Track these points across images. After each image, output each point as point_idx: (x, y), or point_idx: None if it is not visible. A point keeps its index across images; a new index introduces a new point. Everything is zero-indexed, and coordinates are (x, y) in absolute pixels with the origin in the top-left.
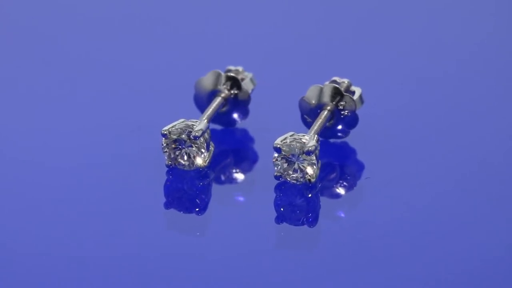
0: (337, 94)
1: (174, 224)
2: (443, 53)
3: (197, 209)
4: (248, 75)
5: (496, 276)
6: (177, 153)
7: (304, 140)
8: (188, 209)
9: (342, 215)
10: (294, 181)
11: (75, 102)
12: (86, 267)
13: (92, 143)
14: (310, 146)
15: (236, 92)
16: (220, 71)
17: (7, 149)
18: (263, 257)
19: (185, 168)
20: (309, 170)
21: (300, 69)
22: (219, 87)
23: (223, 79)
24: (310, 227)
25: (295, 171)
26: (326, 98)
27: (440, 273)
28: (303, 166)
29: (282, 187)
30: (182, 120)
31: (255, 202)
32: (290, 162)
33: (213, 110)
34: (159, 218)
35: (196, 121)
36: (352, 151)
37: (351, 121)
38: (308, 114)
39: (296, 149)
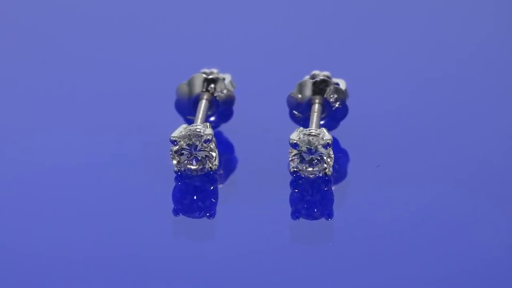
0: (327, 86)
1: (185, 229)
2: (443, 53)
3: (207, 214)
4: (227, 77)
5: (496, 276)
6: (184, 158)
7: (314, 134)
8: (199, 214)
9: (339, 212)
10: (311, 175)
11: (75, 102)
12: (89, 270)
13: (93, 144)
14: (328, 139)
15: (220, 94)
16: (202, 74)
17: (7, 149)
18: (281, 254)
19: (194, 173)
20: (326, 164)
21: (297, 69)
22: (203, 90)
23: (206, 83)
24: (328, 220)
25: (311, 165)
26: (317, 91)
27: (440, 273)
28: (319, 159)
29: (296, 182)
30: (184, 125)
31: (268, 200)
32: (305, 156)
33: (203, 113)
34: (170, 224)
35: (198, 125)
36: (352, 151)
37: (342, 113)
38: (297, 109)
39: (313, 143)
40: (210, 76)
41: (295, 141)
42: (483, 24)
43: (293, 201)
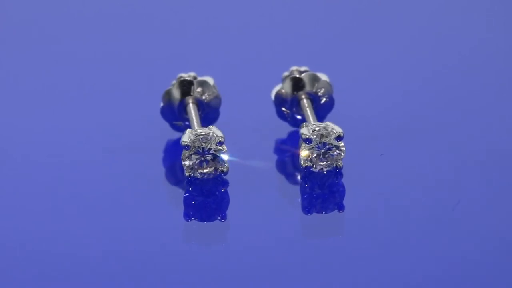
0: (315, 81)
1: (197, 234)
2: (442, 52)
3: (218, 217)
4: (210, 80)
5: (497, 279)
6: (196, 162)
7: (324, 127)
8: (210, 217)
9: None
10: (322, 169)
11: (83, 104)
12: (100, 274)
13: (102, 147)
14: (339, 132)
15: (207, 96)
16: (188, 78)
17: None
18: (294, 251)
19: (206, 177)
20: (337, 156)
21: (278, 67)
22: (191, 94)
23: (192, 86)
24: (339, 212)
25: (323, 158)
26: (305, 86)
27: (451, 266)
28: (331, 152)
29: (305, 177)
30: (188, 130)
31: (276, 198)
32: (316, 150)
33: (197, 117)
34: (182, 229)
35: (205, 129)
36: (351, 151)
37: (329, 106)
38: (285, 106)
39: (325, 137)
40: (196, 79)
41: (307, 136)
42: (483, 23)
43: (303, 196)
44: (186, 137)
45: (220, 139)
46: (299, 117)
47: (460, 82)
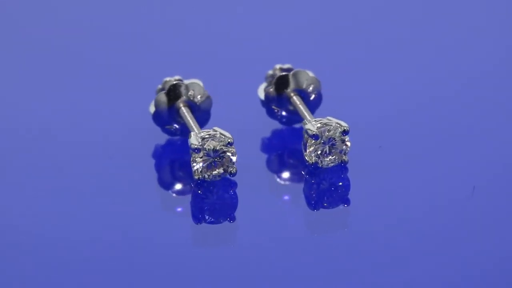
0: (303, 78)
1: (206, 236)
2: (433, 47)
3: (227, 219)
4: (199, 82)
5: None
6: (206, 164)
7: (329, 123)
8: (219, 220)
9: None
10: (328, 165)
11: (90, 103)
12: (109, 279)
13: (108, 150)
14: (345, 126)
15: (199, 99)
16: (179, 82)
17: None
18: (304, 248)
19: (215, 179)
20: (344, 151)
21: (262, 66)
22: (183, 97)
23: (184, 90)
24: (345, 206)
25: (329, 154)
26: (295, 83)
27: (452, 261)
28: (337, 147)
29: (312, 174)
30: (193, 133)
31: (281, 196)
32: (323, 146)
33: (193, 119)
34: (191, 232)
35: (207, 130)
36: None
37: (317, 102)
38: (276, 104)
39: (332, 132)
40: (185, 82)
41: (314, 132)
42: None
43: (310, 192)
44: (195, 140)
45: (229, 140)
46: (284, 113)
47: (448, 73)
